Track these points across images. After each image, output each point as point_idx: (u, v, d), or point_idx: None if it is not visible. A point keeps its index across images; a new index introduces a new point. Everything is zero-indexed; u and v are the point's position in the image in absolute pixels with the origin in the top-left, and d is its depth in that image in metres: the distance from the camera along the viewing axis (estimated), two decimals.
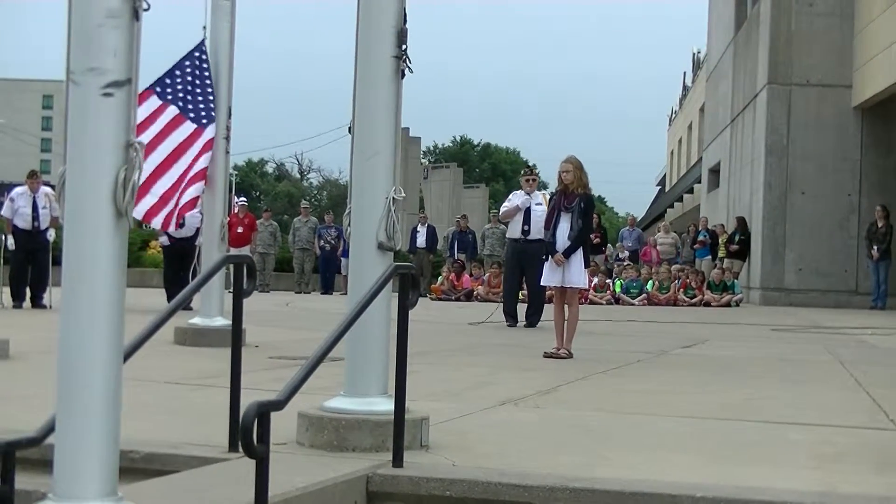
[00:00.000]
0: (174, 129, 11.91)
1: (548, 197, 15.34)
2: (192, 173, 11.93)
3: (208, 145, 12.08)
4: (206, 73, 12.10)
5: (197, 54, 12.14)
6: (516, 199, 16.77)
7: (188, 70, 12.07)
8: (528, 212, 16.41)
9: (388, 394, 5.71)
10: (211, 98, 12.07)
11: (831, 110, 27.25)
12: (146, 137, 11.60)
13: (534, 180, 17.19)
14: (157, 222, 12.26)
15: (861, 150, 27.14)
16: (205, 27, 12.23)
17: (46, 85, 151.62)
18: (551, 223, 12.00)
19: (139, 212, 11.79)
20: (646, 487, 5.11)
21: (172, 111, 11.91)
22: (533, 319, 16.59)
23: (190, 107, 11.97)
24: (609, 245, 31.80)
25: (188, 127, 11.93)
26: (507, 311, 17.07)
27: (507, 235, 17.52)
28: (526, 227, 16.31)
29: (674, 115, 78.14)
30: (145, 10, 3.55)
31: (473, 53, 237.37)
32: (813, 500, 5.00)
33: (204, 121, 12.01)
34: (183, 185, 11.94)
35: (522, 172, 18.02)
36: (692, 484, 5.18)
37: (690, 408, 7.94)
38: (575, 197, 11.90)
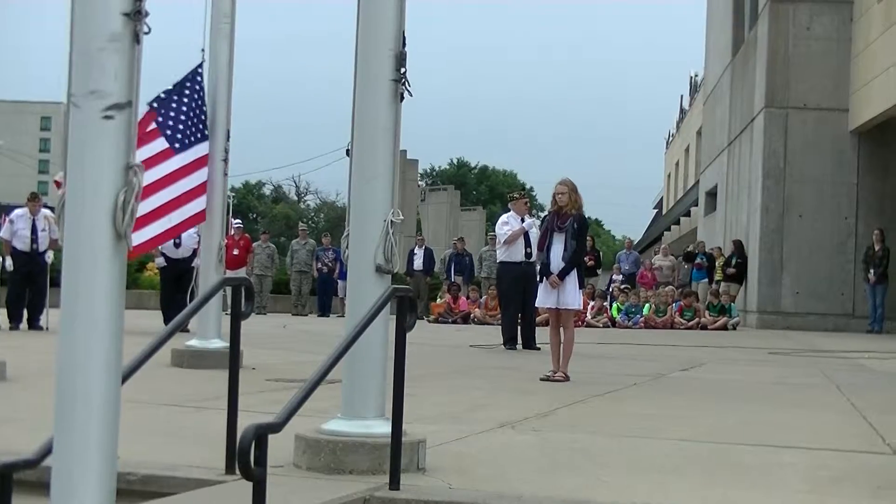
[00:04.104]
0: (162, 161, 11.85)
1: (538, 219, 15.37)
2: (183, 191, 11.89)
3: (202, 161, 12.08)
4: (201, 95, 12.13)
5: (196, 77, 12.16)
6: (514, 221, 16.74)
7: (186, 94, 12.07)
8: (526, 234, 16.42)
9: (386, 416, 5.72)
10: (204, 118, 12.09)
11: (828, 134, 27.30)
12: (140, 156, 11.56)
13: (527, 203, 17.28)
14: (145, 242, 12.05)
15: (858, 174, 27.19)
16: (203, 50, 12.27)
17: (44, 107, 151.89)
18: (545, 245, 11.99)
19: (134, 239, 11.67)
20: None
21: (161, 143, 11.88)
22: (533, 343, 16.56)
23: (178, 135, 11.95)
24: (599, 270, 31.73)
25: (176, 160, 11.88)
26: (509, 336, 16.97)
27: (503, 259, 17.17)
28: (528, 250, 16.27)
29: (671, 139, 78.21)
30: (146, 33, 3.57)
31: (471, 76, 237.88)
32: None
33: (193, 138, 12.00)
34: (176, 204, 11.86)
35: (518, 195, 17.91)
36: None
37: (687, 431, 7.94)
38: (568, 218, 11.90)
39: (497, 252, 18.15)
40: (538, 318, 16.82)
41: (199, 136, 12.05)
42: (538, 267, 12.36)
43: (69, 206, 3.55)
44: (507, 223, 16.85)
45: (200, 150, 12.07)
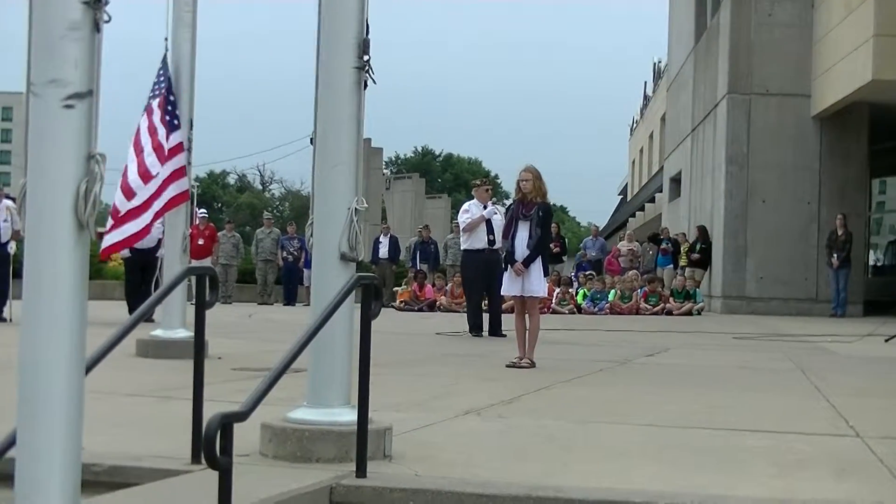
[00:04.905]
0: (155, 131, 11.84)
1: (503, 207, 15.39)
2: (161, 180, 11.83)
3: (177, 149, 12.01)
4: (170, 84, 12.08)
5: (164, 67, 12.11)
6: (475, 209, 16.74)
7: (160, 86, 12.04)
8: (489, 222, 16.43)
9: (352, 404, 5.71)
10: (175, 108, 12.04)
11: (791, 120, 27.43)
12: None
13: (488, 190, 17.31)
14: (116, 242, 11.97)
15: (820, 159, 27.33)
16: (167, 39, 12.22)
17: (5, 97, 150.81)
18: (510, 232, 12.00)
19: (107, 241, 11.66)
20: (609, 496, 5.14)
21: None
22: (499, 330, 16.56)
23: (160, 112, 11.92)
24: (564, 257, 31.78)
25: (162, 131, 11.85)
26: (474, 323, 17.00)
27: (465, 247, 17.18)
28: (491, 237, 16.28)
29: (635, 125, 78.40)
30: (106, 22, 3.55)
31: (435, 64, 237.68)
32: None
33: (169, 128, 11.96)
34: (156, 196, 11.80)
35: (480, 182, 17.97)
36: (655, 492, 5.21)
37: (653, 416, 7.97)
38: (533, 206, 11.92)
39: (460, 240, 18.19)
40: (504, 306, 16.84)
41: (172, 125, 11.99)
42: (503, 254, 12.39)
43: (31, 197, 3.53)
44: (468, 211, 16.86)
45: (175, 138, 12.01)
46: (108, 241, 11.75)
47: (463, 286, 19.53)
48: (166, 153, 11.87)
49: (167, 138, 11.90)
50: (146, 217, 11.77)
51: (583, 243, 34.82)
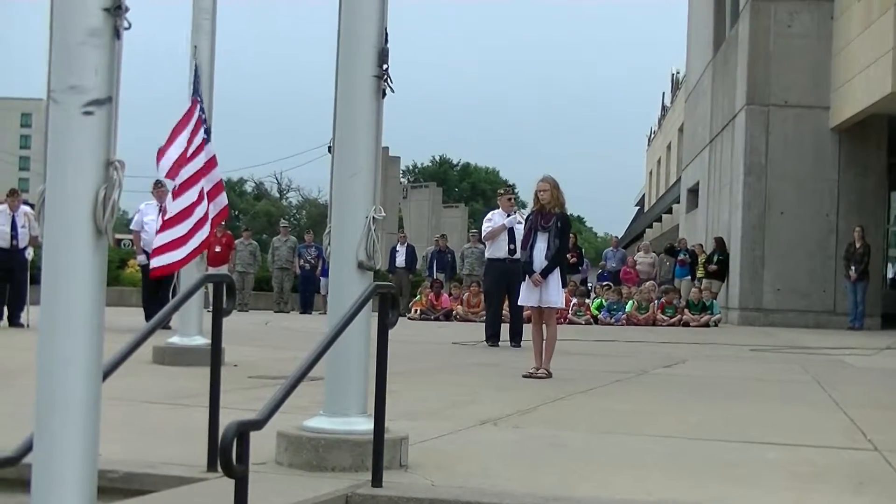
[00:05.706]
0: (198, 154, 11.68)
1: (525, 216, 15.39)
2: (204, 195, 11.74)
3: (213, 161, 11.99)
4: (200, 92, 12.04)
5: (196, 75, 12.05)
6: (498, 218, 16.75)
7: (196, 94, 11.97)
8: (511, 231, 16.42)
9: (368, 413, 5.71)
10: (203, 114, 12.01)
11: (809, 131, 27.37)
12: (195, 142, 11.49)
13: (511, 199, 17.29)
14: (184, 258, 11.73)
15: (838, 171, 27.25)
16: (195, 46, 12.19)
17: (25, 103, 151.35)
18: (528, 243, 11.98)
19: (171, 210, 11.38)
20: None
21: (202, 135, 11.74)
22: (517, 339, 16.54)
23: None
24: (581, 267, 31.66)
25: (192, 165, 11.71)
26: (491, 333, 16.98)
27: (487, 256, 17.26)
28: (512, 247, 16.25)
29: (653, 136, 78.31)
30: (126, 28, 3.55)
31: (453, 74, 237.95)
32: None
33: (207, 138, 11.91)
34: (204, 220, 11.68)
35: (503, 191, 18.00)
36: (671, 503, 5.19)
37: (669, 427, 7.95)
38: (552, 216, 11.89)
39: (484, 248, 18.26)
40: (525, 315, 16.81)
41: (206, 136, 11.93)
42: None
43: (49, 203, 3.53)
44: (490, 220, 16.92)
45: (210, 150, 11.95)
46: (156, 262, 11.54)
47: (483, 294, 19.61)
48: (202, 167, 11.77)
49: (202, 149, 11.81)
50: (193, 242, 11.59)
51: (603, 254, 34.75)
